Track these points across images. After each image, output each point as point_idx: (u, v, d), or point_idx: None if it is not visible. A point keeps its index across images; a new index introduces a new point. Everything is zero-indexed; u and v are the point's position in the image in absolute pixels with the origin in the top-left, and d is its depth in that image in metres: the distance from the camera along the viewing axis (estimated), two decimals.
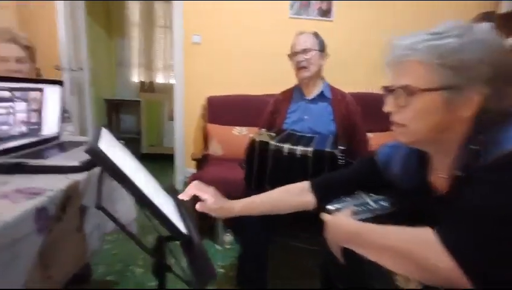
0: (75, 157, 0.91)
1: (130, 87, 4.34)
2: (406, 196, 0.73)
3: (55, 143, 1.13)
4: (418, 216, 0.70)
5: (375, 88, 2.61)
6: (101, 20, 3.81)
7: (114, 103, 4.15)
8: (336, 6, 2.65)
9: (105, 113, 4.00)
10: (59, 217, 0.73)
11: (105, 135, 0.77)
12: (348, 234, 0.69)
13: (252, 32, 2.70)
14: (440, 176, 0.68)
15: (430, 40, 0.58)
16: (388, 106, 0.66)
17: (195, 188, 0.87)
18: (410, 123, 0.63)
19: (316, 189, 0.92)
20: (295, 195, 0.92)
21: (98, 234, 0.97)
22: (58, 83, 1.15)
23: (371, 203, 0.79)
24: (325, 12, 2.66)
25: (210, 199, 0.86)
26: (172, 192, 0.98)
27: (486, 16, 2.57)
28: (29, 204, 0.65)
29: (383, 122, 2.50)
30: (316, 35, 1.56)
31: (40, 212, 0.67)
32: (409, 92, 0.60)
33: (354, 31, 2.71)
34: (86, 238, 0.89)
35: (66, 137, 1.26)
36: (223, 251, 1.93)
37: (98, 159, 0.57)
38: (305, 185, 0.94)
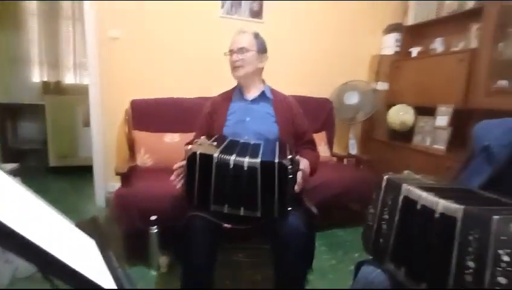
0: None
1: (30, 89, 3.63)
2: None
3: None
4: None
5: (304, 90, 2.68)
6: None
7: (9, 107, 3.42)
8: (266, 7, 2.61)
9: None
10: None
11: None
12: None
13: (180, 29, 2.48)
14: None
15: None
16: None
17: None
18: None
19: None
20: None
21: None
22: None
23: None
24: (257, 13, 2.60)
25: None
26: (93, 227, 0.76)
27: (395, 27, 2.86)
28: None
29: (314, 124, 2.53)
30: (256, 35, 1.47)
31: None
32: None
33: (285, 32, 2.72)
34: None
35: None
36: (160, 276, 1.70)
37: None
38: None
